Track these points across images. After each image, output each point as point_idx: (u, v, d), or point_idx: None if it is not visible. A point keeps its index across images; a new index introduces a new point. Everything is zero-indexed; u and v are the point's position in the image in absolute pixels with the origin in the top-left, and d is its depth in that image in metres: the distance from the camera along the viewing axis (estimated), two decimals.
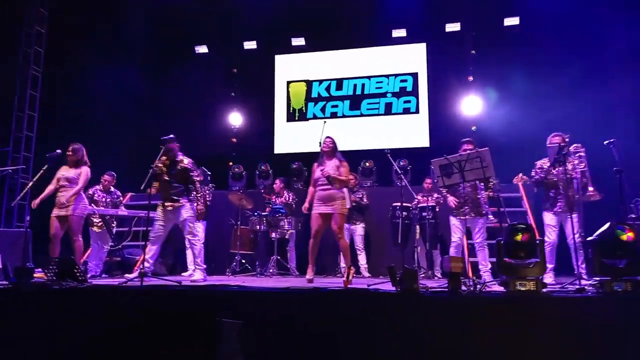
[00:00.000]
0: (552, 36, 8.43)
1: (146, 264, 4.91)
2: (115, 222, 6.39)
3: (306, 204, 5.37)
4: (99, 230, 6.18)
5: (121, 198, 6.69)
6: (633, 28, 7.43)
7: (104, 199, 6.31)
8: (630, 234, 3.23)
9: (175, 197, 5.10)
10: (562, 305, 3.14)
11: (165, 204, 5.12)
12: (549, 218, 4.87)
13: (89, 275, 5.79)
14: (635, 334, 2.90)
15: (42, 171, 5.11)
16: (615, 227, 3.28)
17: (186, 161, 5.17)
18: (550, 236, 4.83)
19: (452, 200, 5.18)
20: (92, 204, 6.04)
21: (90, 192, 6.23)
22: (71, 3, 8.65)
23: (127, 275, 5.24)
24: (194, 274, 5.23)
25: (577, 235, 4.39)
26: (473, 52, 9.23)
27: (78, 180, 5.28)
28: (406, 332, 3.17)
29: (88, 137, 6.11)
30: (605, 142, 4.37)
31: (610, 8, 7.83)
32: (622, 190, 4.00)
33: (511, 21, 9.00)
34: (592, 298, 3.15)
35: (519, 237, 3.20)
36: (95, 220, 6.09)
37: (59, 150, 5.31)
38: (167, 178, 5.10)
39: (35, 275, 4.36)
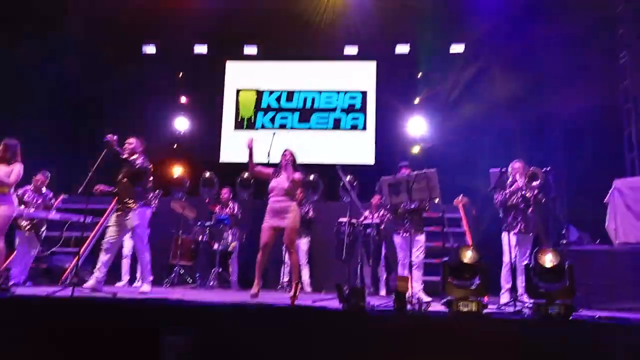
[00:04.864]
0: (495, 62, 8.85)
1: (99, 274, 4.68)
2: (45, 226, 5.96)
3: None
4: (27, 233, 5.75)
5: (53, 200, 6.26)
6: (569, 59, 7.96)
7: (34, 200, 5.88)
8: (551, 258, 3.40)
9: (128, 199, 4.85)
10: (501, 326, 3.26)
11: (118, 206, 4.85)
12: (507, 239, 4.87)
13: (11, 283, 5.35)
14: (568, 354, 3.06)
15: None
16: (537, 253, 3.46)
17: (140, 158, 4.95)
18: (508, 256, 4.86)
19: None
20: (22, 205, 5.62)
21: (21, 192, 5.79)
22: None
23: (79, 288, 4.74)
24: (143, 285, 4.97)
25: (525, 258, 4.61)
26: (420, 75, 9.54)
27: (8, 178, 4.89)
28: (352, 350, 3.17)
29: (20, 133, 5.69)
30: (543, 170, 4.63)
31: (548, 39, 8.38)
32: (556, 216, 4.24)
33: (456, 48, 9.41)
34: (528, 320, 3.30)
35: (466, 259, 3.30)
36: (23, 223, 5.65)
37: None
38: (119, 177, 4.84)
39: None
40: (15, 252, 5.76)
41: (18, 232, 5.73)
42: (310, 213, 7.11)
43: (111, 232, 4.86)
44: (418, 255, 5.23)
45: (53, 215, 5.97)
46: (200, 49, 9.62)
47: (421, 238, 5.29)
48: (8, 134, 5.23)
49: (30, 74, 8.12)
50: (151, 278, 5.10)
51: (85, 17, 8.56)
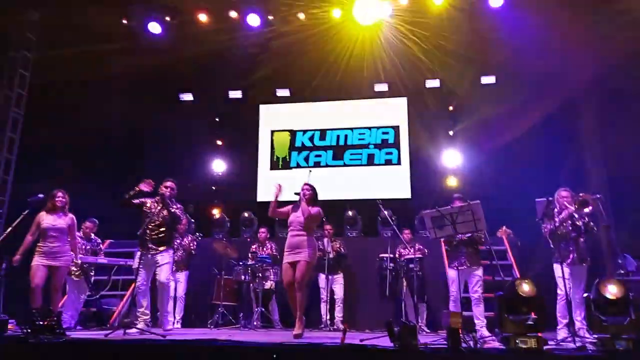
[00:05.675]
0: (527, 93, 8.75)
1: (145, 317, 4.79)
2: (93, 271, 6.12)
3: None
4: (77, 279, 5.91)
5: (101, 245, 6.46)
6: (606, 85, 7.84)
7: (83, 246, 6.07)
8: (614, 290, 3.27)
9: (160, 242, 4.96)
10: None
11: (149, 246, 4.95)
12: (560, 270, 4.60)
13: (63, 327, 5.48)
14: None
15: (22, 216, 4.93)
16: (598, 284, 3.33)
17: (177, 207, 5.08)
18: (563, 289, 4.60)
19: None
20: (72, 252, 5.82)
21: None
22: (56, 37, 8.61)
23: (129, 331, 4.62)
24: (167, 324, 5.05)
25: (580, 290, 4.41)
26: (450, 108, 9.57)
27: (70, 230, 5.22)
28: None
29: (64, 182, 5.93)
30: (592, 197, 4.50)
31: (582, 67, 8.28)
32: (610, 246, 4.08)
33: (488, 80, 9.41)
34: (594, 357, 3.14)
35: (523, 292, 3.19)
36: (73, 268, 5.82)
37: (41, 195, 5.15)
38: (156, 220, 4.95)
39: (9, 327, 4.09)
40: (66, 297, 5.91)
41: (68, 277, 5.89)
42: (342, 249, 7.05)
43: (143, 276, 4.96)
44: (477, 290, 5.06)
45: (101, 259, 6.14)
46: (235, 94, 9.96)
47: (479, 272, 5.11)
48: (53, 183, 5.50)
49: (71, 122, 8.51)
50: (170, 313, 5.15)
51: (125, 67, 9.01)
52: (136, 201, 5.02)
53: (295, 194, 5.13)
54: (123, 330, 4.23)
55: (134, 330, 4.62)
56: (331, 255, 6.86)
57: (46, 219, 5.13)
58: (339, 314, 6.85)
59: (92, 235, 6.32)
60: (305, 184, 5.19)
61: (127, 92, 9.33)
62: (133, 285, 6.59)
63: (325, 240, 6.93)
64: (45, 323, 3.96)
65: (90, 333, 4.99)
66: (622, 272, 4.74)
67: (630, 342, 3.02)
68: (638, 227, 5.95)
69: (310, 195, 5.08)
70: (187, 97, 10.04)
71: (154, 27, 8.91)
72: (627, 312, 3.15)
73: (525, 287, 3.20)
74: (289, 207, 5.21)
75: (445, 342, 3.46)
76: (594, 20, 7.70)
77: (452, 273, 5.16)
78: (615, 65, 7.45)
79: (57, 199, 5.16)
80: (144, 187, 4.92)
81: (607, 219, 4.39)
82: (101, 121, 8.95)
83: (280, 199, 5.15)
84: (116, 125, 9.11)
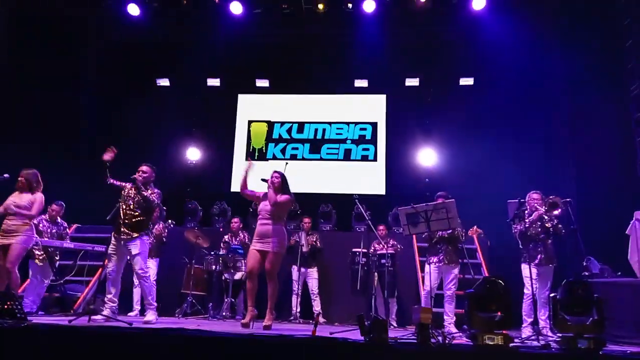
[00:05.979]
0: (503, 95, 8.89)
1: (112, 304, 4.67)
2: (58, 255, 5.95)
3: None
4: (41, 263, 5.73)
5: (67, 230, 6.27)
6: (578, 91, 8.03)
7: (49, 230, 5.90)
8: (579, 290, 3.36)
9: (134, 227, 4.82)
10: None
11: (123, 230, 4.79)
12: (528, 270, 4.71)
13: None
14: None
15: None
16: (565, 285, 3.41)
17: (154, 192, 4.95)
18: (530, 289, 4.73)
19: None
20: (37, 235, 5.63)
21: (36, 221, 5.80)
22: (32, 24, 8.34)
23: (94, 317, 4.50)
24: (147, 314, 4.92)
25: (546, 290, 4.52)
26: (428, 107, 9.63)
27: (30, 208, 4.95)
28: None
29: (36, 164, 5.74)
30: (563, 200, 4.61)
31: (556, 73, 8.48)
32: (577, 248, 4.19)
33: (466, 81, 9.53)
34: (557, 355, 3.21)
35: (493, 290, 3.24)
36: (37, 252, 5.65)
37: (6, 175, 4.97)
38: (130, 204, 4.83)
39: None
40: (28, 281, 5.74)
41: (32, 261, 5.72)
42: (318, 243, 7.06)
43: (114, 262, 4.80)
44: (450, 287, 5.13)
45: (67, 244, 5.96)
46: (213, 82, 9.79)
47: (455, 270, 5.18)
48: (23, 164, 5.31)
49: (45, 103, 8.25)
50: (155, 305, 5.01)
51: (99, 50, 8.79)
52: (117, 184, 4.89)
53: (263, 180, 4.99)
54: (88, 316, 4.11)
55: (99, 317, 4.51)
56: (305, 249, 6.85)
57: (11, 198, 5.00)
58: (316, 307, 6.85)
59: (59, 219, 6.13)
60: (275, 172, 5.04)
61: (103, 74, 9.10)
62: (99, 271, 6.48)
63: (302, 233, 6.92)
64: (5, 307, 3.83)
65: (53, 319, 4.85)
66: (587, 274, 4.89)
67: (592, 341, 3.10)
68: (603, 231, 6.15)
69: (279, 182, 4.93)
70: (164, 82, 9.82)
71: (133, 9, 8.68)
72: (590, 313, 3.24)
73: (495, 286, 3.25)
74: (260, 192, 5.09)
75: (414, 337, 3.48)
76: (570, 24, 7.91)
77: (428, 269, 5.23)
78: (590, 68, 7.62)
79: (19, 178, 5.02)
80: (107, 156, 4.78)
81: (575, 222, 4.51)
82: (75, 103, 8.74)
83: (257, 190, 5.17)
84: (90, 107, 8.88)
